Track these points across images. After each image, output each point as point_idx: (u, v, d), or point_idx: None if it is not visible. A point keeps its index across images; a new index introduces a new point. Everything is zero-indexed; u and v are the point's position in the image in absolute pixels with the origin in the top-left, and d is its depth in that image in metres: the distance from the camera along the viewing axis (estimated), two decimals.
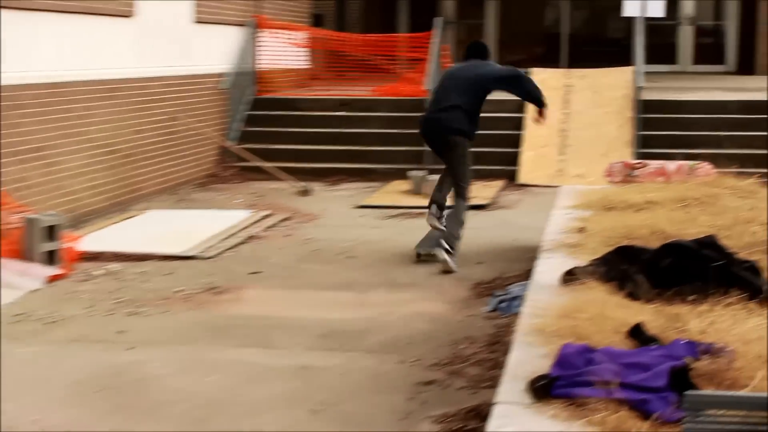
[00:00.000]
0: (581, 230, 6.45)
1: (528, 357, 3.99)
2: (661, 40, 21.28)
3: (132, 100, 11.17)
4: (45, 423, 4.94)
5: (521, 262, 7.89)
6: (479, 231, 9.35)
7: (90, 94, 10.29)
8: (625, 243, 5.52)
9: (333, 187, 12.52)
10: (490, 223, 10.13)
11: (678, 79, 18.63)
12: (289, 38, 15.44)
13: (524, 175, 12.83)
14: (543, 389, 3.55)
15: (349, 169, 13.15)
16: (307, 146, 13.64)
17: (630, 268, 4.94)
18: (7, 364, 5.77)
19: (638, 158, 11.95)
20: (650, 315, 4.35)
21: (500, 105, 12.38)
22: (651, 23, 17.27)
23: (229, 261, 8.50)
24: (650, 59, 18.30)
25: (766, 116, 13.24)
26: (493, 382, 4.78)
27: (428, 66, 13.62)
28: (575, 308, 4.44)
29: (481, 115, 8.44)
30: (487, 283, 7.60)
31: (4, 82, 8.87)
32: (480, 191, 10.87)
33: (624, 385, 3.45)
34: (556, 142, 13.23)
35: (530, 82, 8.61)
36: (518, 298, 6.46)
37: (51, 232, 7.89)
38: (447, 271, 8.03)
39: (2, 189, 8.51)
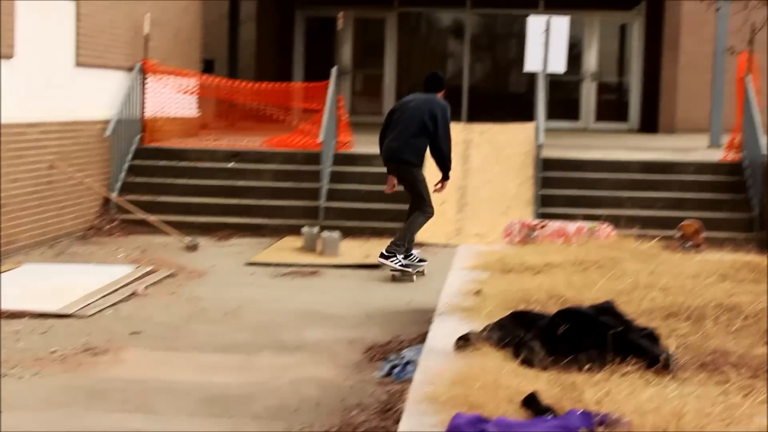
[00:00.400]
0: (477, 293, 6.34)
1: (419, 426, 3.94)
2: (564, 96, 21.54)
3: (8, 147, 10.65)
4: None
5: (417, 324, 7.72)
6: (374, 291, 9.24)
7: None
8: (522, 307, 5.50)
9: (222, 242, 12.13)
10: (386, 283, 9.94)
11: (580, 136, 18.81)
12: (178, 85, 15.01)
13: (421, 233, 12.58)
14: None
15: (239, 224, 12.73)
16: (195, 199, 13.20)
17: (526, 334, 4.84)
18: None
19: (539, 217, 11.89)
20: (545, 383, 4.28)
21: None
22: (554, 78, 17.42)
23: (109, 320, 8.17)
24: (553, 115, 18.46)
25: (667, 177, 13.35)
26: None
27: (323, 117, 13.34)
28: (468, 375, 4.35)
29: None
30: (381, 346, 7.38)
31: None
32: (376, 249, 10.63)
33: None
34: (454, 200, 12.98)
35: (448, 147, 9.84)
36: (412, 363, 6.40)
37: None
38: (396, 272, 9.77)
39: None
